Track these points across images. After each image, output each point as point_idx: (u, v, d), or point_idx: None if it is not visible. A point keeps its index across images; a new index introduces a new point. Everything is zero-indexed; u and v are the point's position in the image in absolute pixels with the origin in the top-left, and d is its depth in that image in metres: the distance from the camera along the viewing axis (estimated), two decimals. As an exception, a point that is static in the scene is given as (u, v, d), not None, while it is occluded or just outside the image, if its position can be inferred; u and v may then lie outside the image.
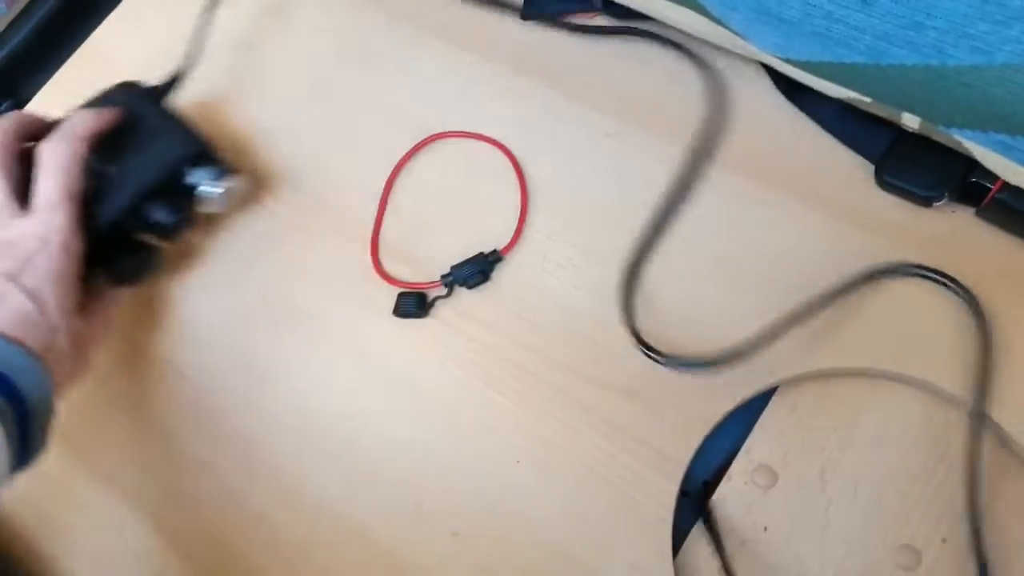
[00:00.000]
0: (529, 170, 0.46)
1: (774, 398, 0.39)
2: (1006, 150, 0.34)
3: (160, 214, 0.43)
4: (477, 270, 0.43)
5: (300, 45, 0.54)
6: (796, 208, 0.41)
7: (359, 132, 0.50)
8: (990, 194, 0.37)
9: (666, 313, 0.41)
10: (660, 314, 0.41)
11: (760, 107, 0.44)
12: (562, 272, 0.43)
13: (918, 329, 0.38)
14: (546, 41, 0.49)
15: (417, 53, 0.51)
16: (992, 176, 0.37)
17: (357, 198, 0.48)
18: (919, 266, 0.38)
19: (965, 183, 0.38)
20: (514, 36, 0.50)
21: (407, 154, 0.48)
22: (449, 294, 0.44)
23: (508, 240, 0.44)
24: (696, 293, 0.41)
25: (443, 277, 0.44)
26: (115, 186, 0.42)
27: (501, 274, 0.44)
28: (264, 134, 0.52)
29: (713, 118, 0.44)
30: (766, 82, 0.45)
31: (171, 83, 0.48)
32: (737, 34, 0.40)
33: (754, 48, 0.40)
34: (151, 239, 0.45)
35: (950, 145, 0.37)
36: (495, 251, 0.44)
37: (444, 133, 0.48)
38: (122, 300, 0.46)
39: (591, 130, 0.46)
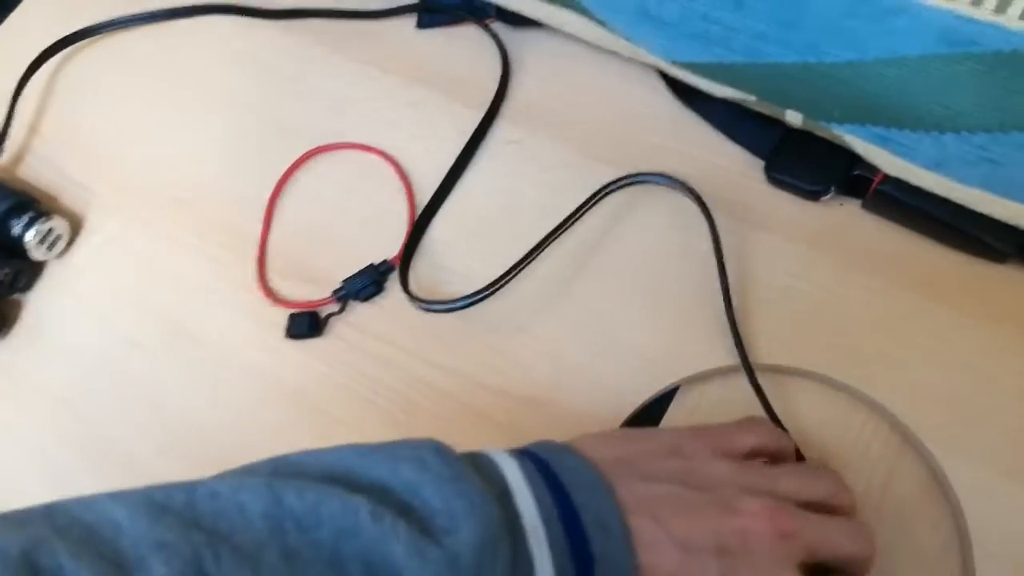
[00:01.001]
0: (417, 178, 0.46)
1: (676, 398, 0.39)
2: (883, 142, 0.35)
3: None
4: (369, 281, 0.43)
5: (181, 58, 0.53)
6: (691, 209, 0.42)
7: (245, 147, 0.49)
8: (872, 186, 0.38)
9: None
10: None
11: (653, 109, 0.45)
12: (456, 278, 0.43)
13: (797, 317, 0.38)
14: (442, 50, 0.49)
15: (307, 65, 0.50)
16: (874, 168, 0.38)
17: (243, 216, 0.47)
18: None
19: (849, 176, 0.39)
20: (410, 46, 0.50)
21: (288, 170, 0.47)
22: (342, 310, 0.43)
23: (399, 249, 0.44)
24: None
25: (335, 292, 0.43)
26: None
27: (396, 284, 0.43)
28: (140, 153, 0.51)
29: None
30: (658, 83, 0.45)
31: None
32: (624, 37, 0.40)
33: (643, 52, 0.41)
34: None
35: (832, 140, 0.38)
36: (385, 261, 0.43)
37: (325, 146, 0.48)
38: None
39: (490, 138, 0.46)
